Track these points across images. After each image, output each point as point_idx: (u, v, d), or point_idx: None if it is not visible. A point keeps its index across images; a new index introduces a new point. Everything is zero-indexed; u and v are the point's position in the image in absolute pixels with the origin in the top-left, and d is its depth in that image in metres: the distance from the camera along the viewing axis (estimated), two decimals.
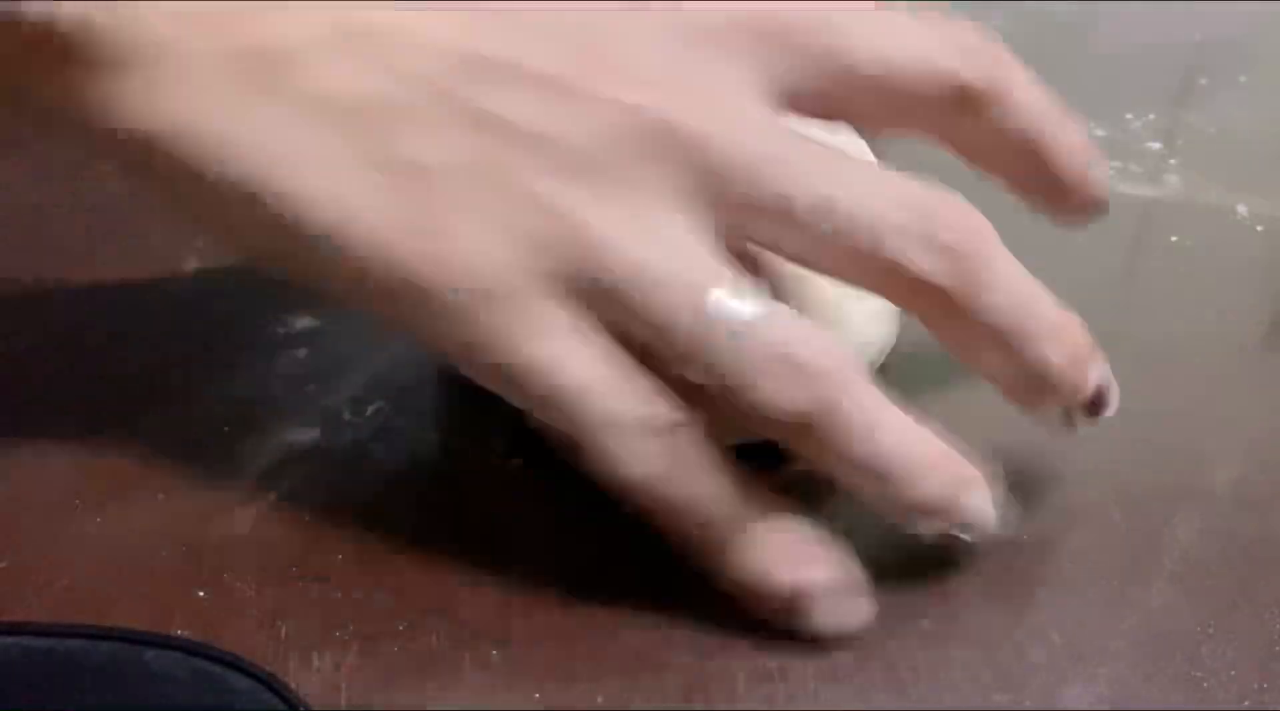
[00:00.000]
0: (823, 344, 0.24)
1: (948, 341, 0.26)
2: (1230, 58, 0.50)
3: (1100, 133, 0.43)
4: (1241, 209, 0.39)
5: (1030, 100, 0.27)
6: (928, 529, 0.25)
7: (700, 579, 0.25)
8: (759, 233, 0.25)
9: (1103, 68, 0.49)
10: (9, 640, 0.24)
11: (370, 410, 0.31)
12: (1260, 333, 0.35)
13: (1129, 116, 0.44)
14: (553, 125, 0.23)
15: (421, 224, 0.23)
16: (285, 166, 0.23)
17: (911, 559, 0.26)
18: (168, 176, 0.23)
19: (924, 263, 0.24)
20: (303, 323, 0.34)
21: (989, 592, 0.26)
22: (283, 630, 0.25)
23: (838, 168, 0.25)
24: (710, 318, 0.23)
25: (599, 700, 0.24)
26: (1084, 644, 0.25)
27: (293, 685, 0.23)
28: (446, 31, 0.24)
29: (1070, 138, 0.27)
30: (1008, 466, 0.29)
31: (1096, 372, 0.27)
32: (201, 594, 0.26)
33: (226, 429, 0.30)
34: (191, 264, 0.37)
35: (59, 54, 0.22)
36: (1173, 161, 0.42)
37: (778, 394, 0.23)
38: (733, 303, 0.23)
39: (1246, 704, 0.24)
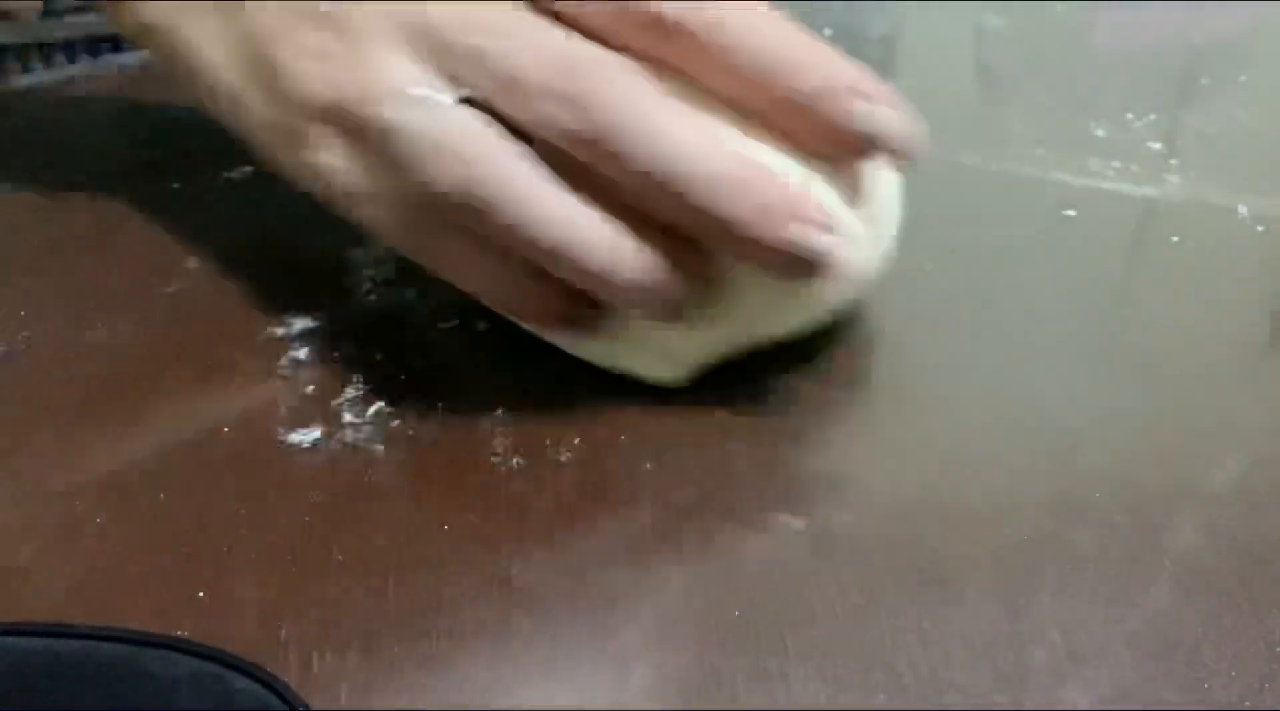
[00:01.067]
0: (470, 127, 0.28)
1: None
2: (1230, 58, 0.50)
3: (1101, 132, 0.43)
4: (1242, 209, 0.39)
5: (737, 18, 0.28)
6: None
7: (699, 579, 0.25)
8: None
9: (1103, 67, 0.49)
10: (9, 640, 0.24)
11: (370, 410, 0.31)
12: (1260, 332, 0.35)
13: (1130, 116, 0.44)
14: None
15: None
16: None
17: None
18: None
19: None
20: (303, 323, 0.34)
21: (989, 592, 0.26)
22: (283, 630, 0.25)
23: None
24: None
25: (599, 700, 0.24)
26: (1084, 644, 0.25)
27: (293, 685, 0.23)
28: None
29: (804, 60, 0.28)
30: (1005, 467, 0.29)
31: (795, 229, 0.27)
32: (201, 594, 0.26)
33: (226, 429, 0.30)
34: (191, 264, 0.37)
35: None
36: (1173, 161, 0.42)
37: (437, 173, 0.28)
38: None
39: (1247, 704, 0.24)
